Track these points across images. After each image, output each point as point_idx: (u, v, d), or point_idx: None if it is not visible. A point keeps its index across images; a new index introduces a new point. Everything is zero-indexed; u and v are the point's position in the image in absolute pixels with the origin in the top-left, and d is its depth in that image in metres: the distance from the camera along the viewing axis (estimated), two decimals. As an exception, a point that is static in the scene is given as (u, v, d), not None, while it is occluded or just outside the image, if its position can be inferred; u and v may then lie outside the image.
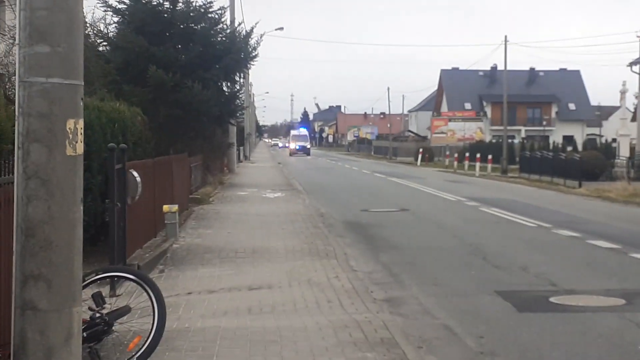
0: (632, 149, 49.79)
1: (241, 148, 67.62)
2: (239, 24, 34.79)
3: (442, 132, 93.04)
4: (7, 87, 16.59)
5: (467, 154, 64.20)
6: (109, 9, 27.32)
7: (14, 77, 24.45)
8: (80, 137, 6.75)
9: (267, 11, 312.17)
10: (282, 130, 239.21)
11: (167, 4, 28.59)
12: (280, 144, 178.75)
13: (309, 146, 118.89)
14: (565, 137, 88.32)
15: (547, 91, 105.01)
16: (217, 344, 8.92)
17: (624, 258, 16.43)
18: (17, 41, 6.69)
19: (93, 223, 13.07)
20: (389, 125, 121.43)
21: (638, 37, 61.03)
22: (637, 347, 9.40)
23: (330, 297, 11.61)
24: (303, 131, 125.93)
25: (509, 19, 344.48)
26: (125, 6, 27.71)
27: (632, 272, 14.75)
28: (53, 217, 6.61)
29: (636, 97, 55.95)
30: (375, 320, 10.06)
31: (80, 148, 6.76)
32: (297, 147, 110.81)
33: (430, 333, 9.94)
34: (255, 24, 33.09)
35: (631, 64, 53.40)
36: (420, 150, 79.18)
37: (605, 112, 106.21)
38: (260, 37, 32.29)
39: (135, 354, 7.63)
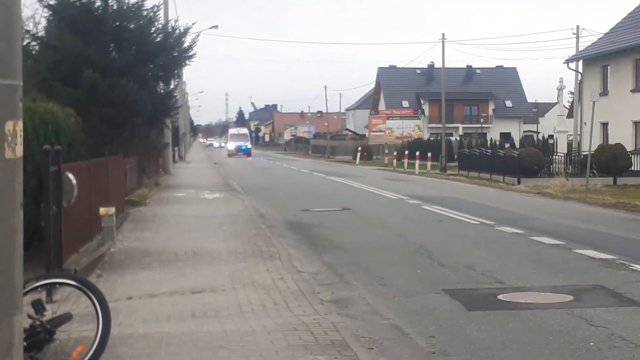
0: (569, 145, 50.62)
1: (176, 148, 67.19)
2: (175, 21, 34.35)
3: (380, 130, 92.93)
4: None
5: (406, 152, 64.29)
6: (40, 4, 26.96)
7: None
8: (20, 140, 6.54)
9: (202, 9, 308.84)
10: (217, 130, 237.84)
11: (98, 2, 28.19)
12: (216, 144, 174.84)
13: (249, 146, 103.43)
14: (502, 134, 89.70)
15: (484, 89, 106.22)
16: (163, 350, 8.75)
17: (569, 254, 16.56)
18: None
19: (27, 228, 12.75)
20: (326, 124, 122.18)
21: (574, 34, 62.19)
22: (588, 344, 9.44)
23: (277, 299, 11.49)
24: (243, 130, 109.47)
25: (446, 16, 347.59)
26: (55, 1, 27.27)
27: (577, 268, 14.86)
28: (-8, 222, 6.41)
29: (572, 94, 56.85)
30: (324, 322, 9.96)
31: (20, 151, 6.56)
32: (237, 148, 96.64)
33: (381, 334, 9.88)
34: (193, 23, 32.78)
35: (567, 61, 54.36)
36: (359, 148, 79.46)
37: (542, 108, 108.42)
38: (197, 37, 32.22)
39: (80, 364, 7.45)
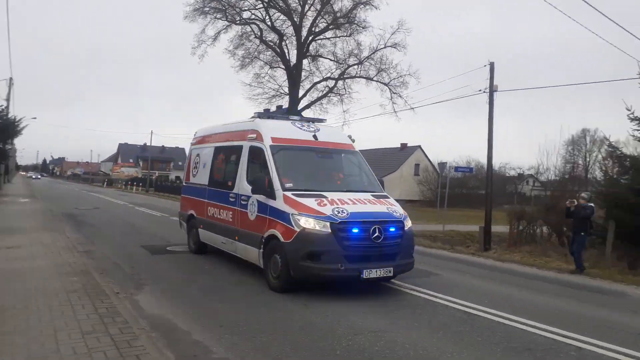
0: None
1: (7, 176, 55.15)
2: (15, 116, 29.46)
3: (118, 172, 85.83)
4: None
5: (130, 182, 59.66)
6: None
7: None
8: None
9: (29, 105, 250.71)
10: (31, 168, 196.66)
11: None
12: (34, 176, 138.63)
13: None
14: (176, 176, 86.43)
15: (170, 157, 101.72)
16: (-14, 278, 7.26)
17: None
18: None
19: None
20: (90, 168, 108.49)
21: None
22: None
23: (54, 251, 10.00)
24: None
25: (154, 121, 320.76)
26: None
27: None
28: None
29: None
30: (79, 262, 8.89)
31: None
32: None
33: (108, 266, 9.05)
34: (22, 117, 28.32)
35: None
36: (105, 179, 72.81)
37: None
38: (24, 124, 28.02)
39: None
